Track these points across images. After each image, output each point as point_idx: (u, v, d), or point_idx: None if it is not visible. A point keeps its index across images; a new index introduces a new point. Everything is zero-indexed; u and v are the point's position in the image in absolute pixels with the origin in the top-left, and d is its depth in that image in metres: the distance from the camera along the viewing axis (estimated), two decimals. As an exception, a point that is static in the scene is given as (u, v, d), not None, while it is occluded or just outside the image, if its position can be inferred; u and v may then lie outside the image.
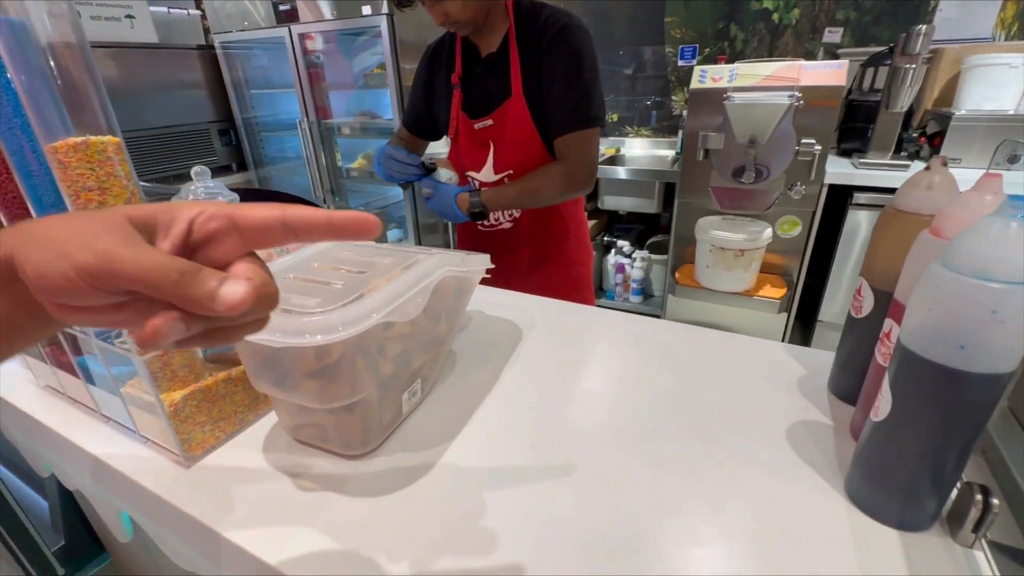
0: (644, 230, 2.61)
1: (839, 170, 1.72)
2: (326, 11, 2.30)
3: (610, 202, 2.34)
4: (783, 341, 1.98)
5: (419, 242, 2.68)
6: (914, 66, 1.59)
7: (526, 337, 0.72)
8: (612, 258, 2.50)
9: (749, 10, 2.17)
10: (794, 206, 1.76)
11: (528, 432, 0.53)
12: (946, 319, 0.34)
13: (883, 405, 0.39)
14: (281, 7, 2.39)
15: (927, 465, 0.38)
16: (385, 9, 2.14)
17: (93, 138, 0.40)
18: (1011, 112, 1.63)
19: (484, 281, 1.01)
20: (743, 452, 0.49)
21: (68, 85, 0.39)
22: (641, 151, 2.61)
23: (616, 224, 2.66)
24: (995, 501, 0.37)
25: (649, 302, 2.48)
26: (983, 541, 0.39)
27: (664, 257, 2.25)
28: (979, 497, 0.37)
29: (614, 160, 2.52)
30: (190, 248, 0.23)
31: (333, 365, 0.43)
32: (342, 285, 0.46)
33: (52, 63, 0.38)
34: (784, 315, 1.87)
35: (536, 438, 0.52)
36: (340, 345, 0.41)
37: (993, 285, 0.31)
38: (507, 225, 1.11)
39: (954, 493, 0.40)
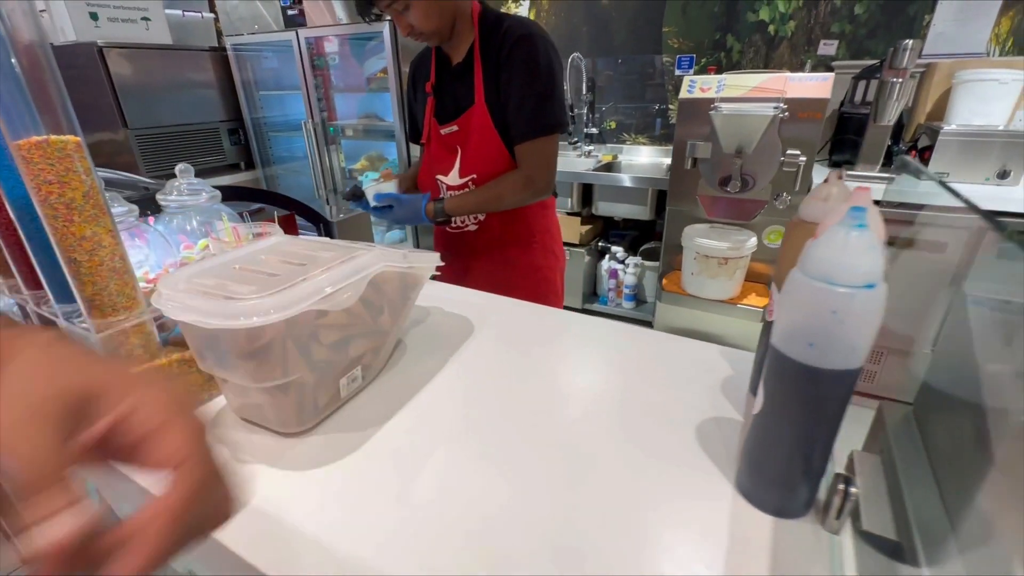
0: (638, 236, 2.63)
1: (827, 181, 1.73)
2: (340, 14, 2.37)
3: (604, 208, 2.37)
4: (758, 344, 1.99)
5: (417, 242, 2.74)
6: (901, 80, 1.60)
7: (476, 334, 0.76)
8: (606, 263, 2.53)
9: (746, 21, 2.19)
10: (780, 216, 1.78)
11: (454, 421, 0.57)
12: (798, 319, 0.37)
13: (759, 400, 0.42)
14: (289, 12, 2.46)
15: (795, 455, 0.41)
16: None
17: (54, 137, 0.45)
18: (1000, 128, 1.63)
19: (450, 279, 1.05)
20: (652, 446, 0.52)
21: (35, 86, 0.44)
22: (640, 158, 2.64)
23: (612, 230, 2.69)
24: (854, 490, 0.40)
25: (642, 308, 2.50)
26: (849, 527, 0.41)
27: (656, 263, 2.28)
28: (842, 486, 0.40)
29: (610, 167, 2.55)
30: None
31: (264, 348, 0.47)
32: (281, 275, 0.50)
33: (20, 64, 0.43)
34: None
35: (460, 427, 0.56)
36: (269, 329, 0.46)
37: (834, 288, 0.34)
38: (472, 228, 1.16)
39: (827, 483, 0.43)
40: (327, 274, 0.50)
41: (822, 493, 0.43)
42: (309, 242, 0.62)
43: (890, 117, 1.67)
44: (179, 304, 0.45)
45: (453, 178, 1.10)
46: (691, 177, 1.85)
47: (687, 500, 0.46)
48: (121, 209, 0.80)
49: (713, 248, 1.75)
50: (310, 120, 2.66)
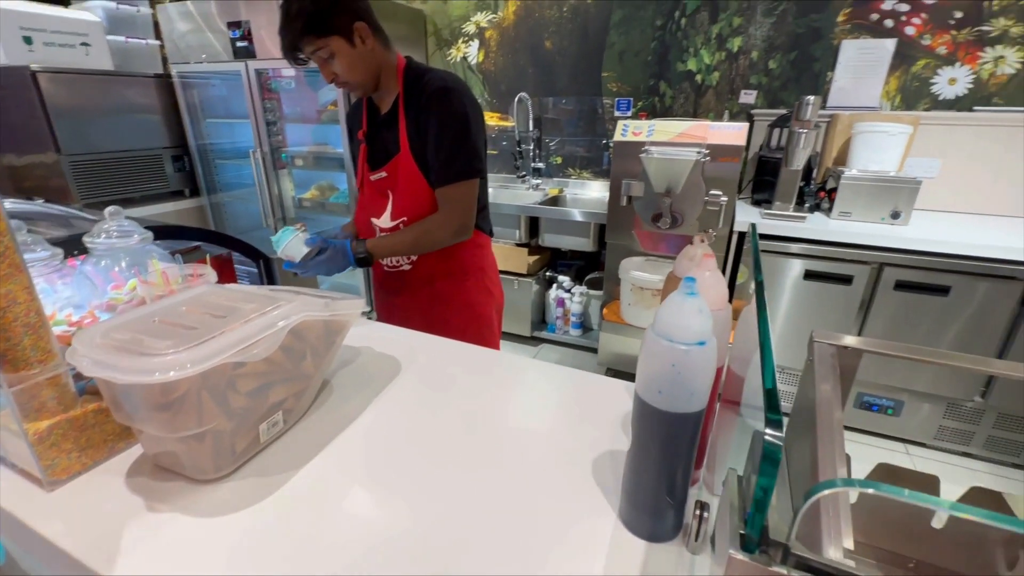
0: (584, 266, 2.74)
1: (749, 219, 1.89)
2: (287, 47, 2.40)
3: (550, 240, 2.47)
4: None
5: (366, 273, 2.74)
6: (806, 131, 1.79)
7: (403, 373, 0.79)
8: (553, 292, 2.62)
9: (676, 70, 2.38)
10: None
11: (370, 462, 0.60)
12: (650, 369, 0.43)
13: (631, 438, 0.48)
14: (239, 43, 2.48)
15: (659, 486, 0.47)
16: (339, 51, 2.27)
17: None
18: (892, 174, 1.84)
19: (387, 317, 1.08)
20: (550, 480, 0.58)
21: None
22: (585, 192, 2.77)
23: (559, 260, 2.79)
24: (707, 514, 0.46)
25: (588, 335, 2.59)
26: (708, 547, 0.48)
27: (600, 292, 2.38)
28: (698, 512, 0.47)
29: (556, 200, 2.67)
30: None
31: (179, 399, 0.49)
32: (199, 328, 0.53)
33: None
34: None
35: (376, 467, 0.59)
36: (184, 382, 0.48)
37: (675, 345, 0.41)
38: (407, 267, 1.20)
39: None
40: (245, 327, 0.54)
41: (688, 517, 0.50)
42: (233, 292, 0.65)
43: (799, 163, 1.86)
44: (93, 360, 0.47)
45: (385, 221, 1.16)
46: (627, 213, 1.97)
47: (574, 528, 0.51)
48: (44, 254, 0.80)
49: (646, 280, 1.86)
50: (258, 149, 2.65)
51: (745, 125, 1.76)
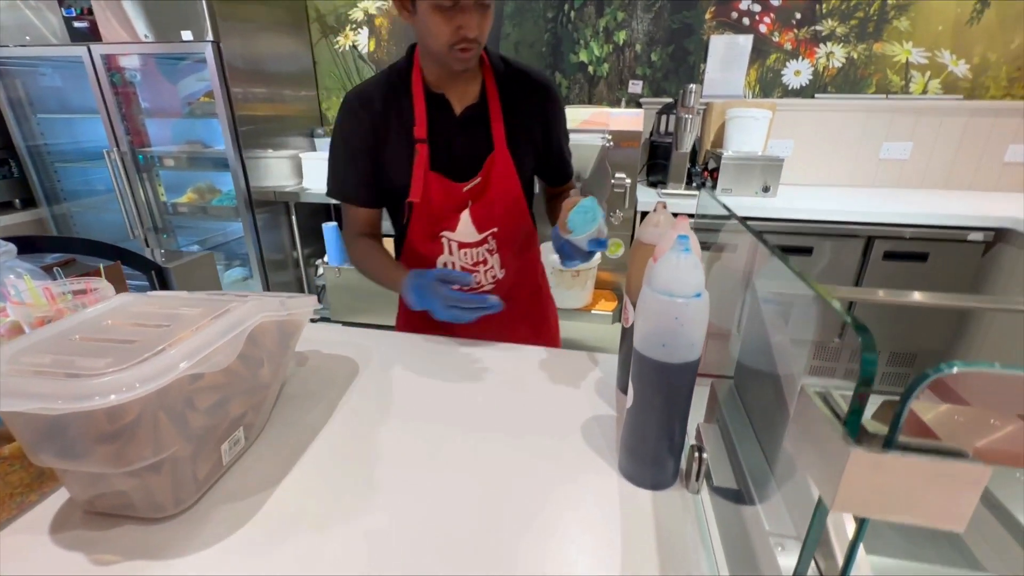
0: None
1: (648, 199, 2.05)
2: (142, 29, 2.08)
3: (463, 231, 2.45)
4: (619, 347, 2.26)
5: (266, 280, 2.51)
6: (690, 116, 1.98)
7: (362, 373, 0.74)
8: (470, 284, 2.61)
9: (569, 62, 2.49)
10: (616, 231, 2.04)
11: (352, 472, 0.56)
12: (652, 325, 0.46)
13: (631, 395, 0.50)
14: (76, 24, 2.10)
15: (662, 436, 0.50)
16: (210, 35, 2.01)
17: None
18: (759, 154, 2.10)
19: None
20: (543, 450, 0.58)
21: None
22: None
23: (472, 251, 2.78)
24: (705, 456, 0.50)
25: (507, 323, 2.62)
26: (705, 487, 0.52)
27: (516, 280, 2.42)
28: (696, 455, 0.50)
29: (464, 191, 2.65)
30: None
31: (130, 425, 0.41)
32: (139, 341, 0.45)
33: None
34: (618, 324, 2.13)
35: (360, 477, 0.55)
36: (135, 404, 0.41)
37: (675, 300, 0.44)
38: (488, 287, 0.99)
39: (686, 453, 0.54)
40: (199, 335, 0.46)
41: (683, 463, 0.54)
42: (163, 299, 0.56)
43: (687, 145, 2.05)
44: (8, 391, 0.38)
45: (466, 233, 0.93)
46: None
47: (581, 490, 0.52)
48: None
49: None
50: (114, 149, 2.28)
51: (641, 112, 1.90)
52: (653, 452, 0.51)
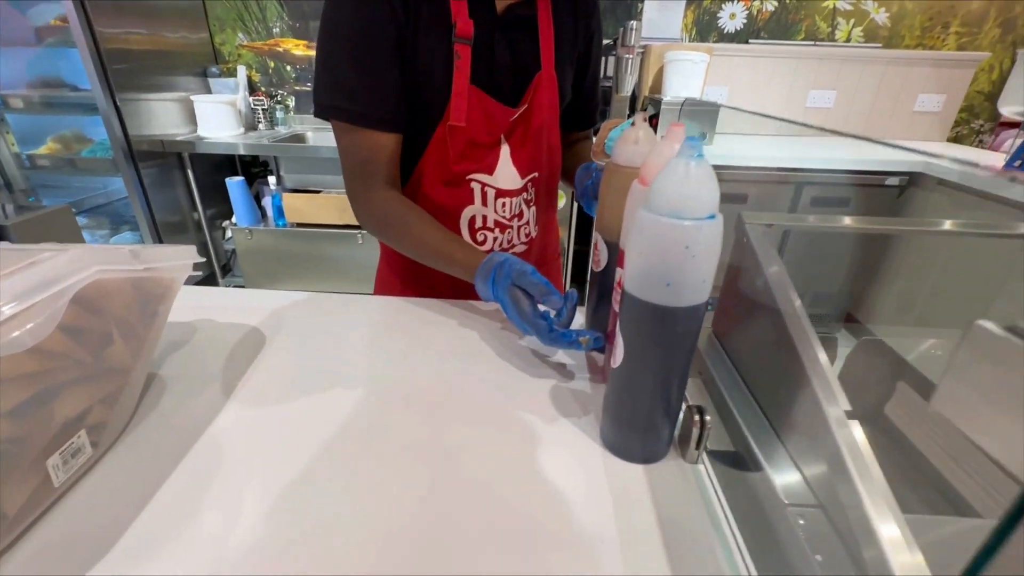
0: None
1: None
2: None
3: (391, 185, 2.23)
4: (587, 296, 2.20)
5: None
6: (631, 56, 1.87)
7: (270, 344, 0.59)
8: (402, 243, 2.41)
9: None
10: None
11: (260, 473, 0.42)
12: (653, 260, 0.35)
13: (618, 352, 0.40)
14: None
15: (658, 399, 0.40)
16: (52, -61, 1.59)
17: None
18: (697, 98, 2.06)
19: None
20: (511, 421, 0.47)
21: None
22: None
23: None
24: (708, 418, 0.41)
25: (445, 284, 2.48)
26: (704, 454, 0.43)
27: (452, 237, 2.26)
28: (697, 417, 0.41)
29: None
30: None
31: None
32: None
33: None
34: (563, 281, 2.06)
35: (272, 480, 0.42)
36: None
37: (684, 223, 0.33)
38: (520, 248, 0.81)
39: (680, 417, 0.45)
40: (-23, 298, 0.29)
41: (676, 429, 0.45)
42: (-66, 252, 0.37)
43: (628, 88, 1.95)
44: None
45: (507, 178, 0.73)
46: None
47: (562, 470, 0.42)
48: None
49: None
50: (-65, 85, 1.81)
51: (580, 49, 1.77)
52: (646, 419, 0.41)
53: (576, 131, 0.86)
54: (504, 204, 0.74)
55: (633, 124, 0.49)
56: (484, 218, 0.74)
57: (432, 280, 0.76)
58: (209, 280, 2.41)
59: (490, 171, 0.71)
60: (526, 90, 0.70)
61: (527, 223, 0.78)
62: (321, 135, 2.33)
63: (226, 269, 2.42)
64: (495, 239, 0.76)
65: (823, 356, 0.40)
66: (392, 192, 0.69)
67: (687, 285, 0.34)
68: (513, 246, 0.79)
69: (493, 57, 0.67)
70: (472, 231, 0.75)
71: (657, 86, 2.25)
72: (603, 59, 2.11)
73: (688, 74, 2.12)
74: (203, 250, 2.37)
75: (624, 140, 0.49)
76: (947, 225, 0.61)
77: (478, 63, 0.65)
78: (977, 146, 2.34)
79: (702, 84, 2.19)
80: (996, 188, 1.58)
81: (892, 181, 1.94)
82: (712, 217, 0.34)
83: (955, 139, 2.38)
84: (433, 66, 0.64)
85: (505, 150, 0.72)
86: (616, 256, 0.50)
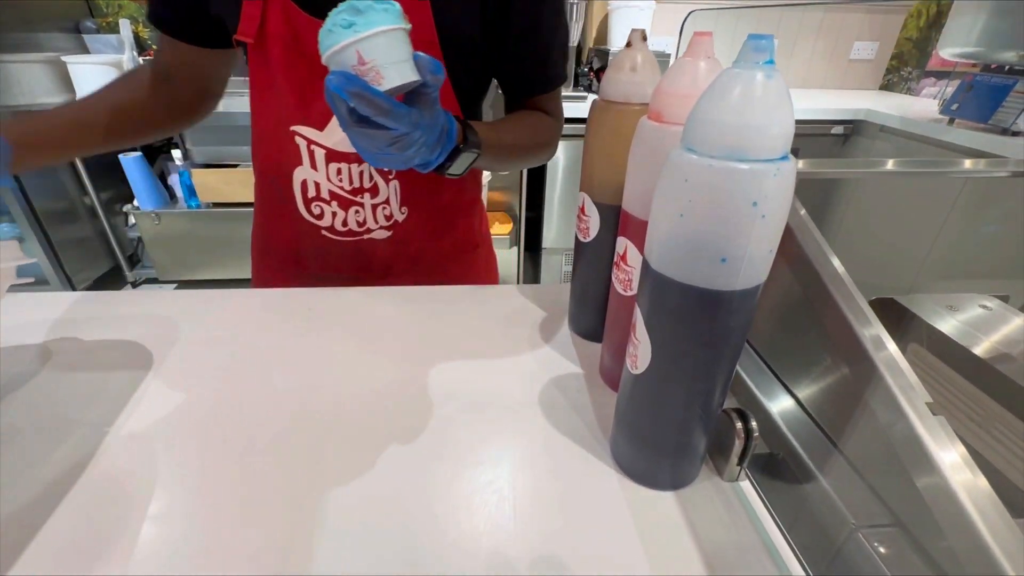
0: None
1: (535, 104, 1.80)
2: None
3: (320, 155, 2.00)
4: (518, 274, 2.10)
5: (47, 240, 1.85)
6: (574, 2, 1.73)
7: (158, 367, 0.44)
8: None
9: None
10: (504, 141, 1.79)
11: (156, 540, 0.29)
12: (702, 225, 0.24)
13: (642, 354, 0.29)
14: None
15: (695, 413, 0.30)
16: None
17: None
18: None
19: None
20: (499, 445, 0.36)
21: None
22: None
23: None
24: (754, 424, 0.32)
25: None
26: (745, 470, 0.34)
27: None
28: (740, 425, 0.32)
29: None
30: None
31: None
32: None
33: None
34: (515, 249, 1.95)
35: (173, 545, 0.28)
36: None
37: (752, 167, 0.22)
38: (381, 234, 0.62)
39: (712, 424, 0.35)
40: None
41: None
42: None
43: (573, 39, 1.81)
44: None
45: (340, 135, 0.54)
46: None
47: (570, 493, 0.32)
48: None
49: (452, 182, 1.66)
50: None
51: None
52: (678, 438, 0.31)
53: (524, 95, 0.62)
54: (339, 172, 0.57)
55: (629, 45, 0.37)
56: (317, 186, 0.58)
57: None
58: (114, 275, 2.10)
59: (320, 124, 0.54)
60: None
61: (385, 203, 0.60)
62: (235, 100, 2.03)
63: (134, 260, 2.12)
64: (334, 215, 0.59)
65: (889, 339, 0.31)
66: (135, 76, 0.60)
67: (751, 258, 0.24)
68: (368, 230, 0.61)
69: None
70: (306, 201, 0.59)
71: (602, 37, 2.12)
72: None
73: (633, 21, 2.01)
74: (102, 240, 2.06)
75: (618, 68, 0.37)
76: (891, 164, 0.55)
77: None
78: (907, 93, 2.41)
79: (648, 33, 2.08)
80: (937, 132, 1.60)
81: (837, 130, 1.95)
82: (787, 158, 0.23)
83: (886, 87, 2.43)
84: None
85: None
86: (613, 222, 0.39)
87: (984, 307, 0.57)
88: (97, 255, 2.07)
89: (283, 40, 0.50)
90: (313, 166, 0.56)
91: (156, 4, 0.55)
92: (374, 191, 0.58)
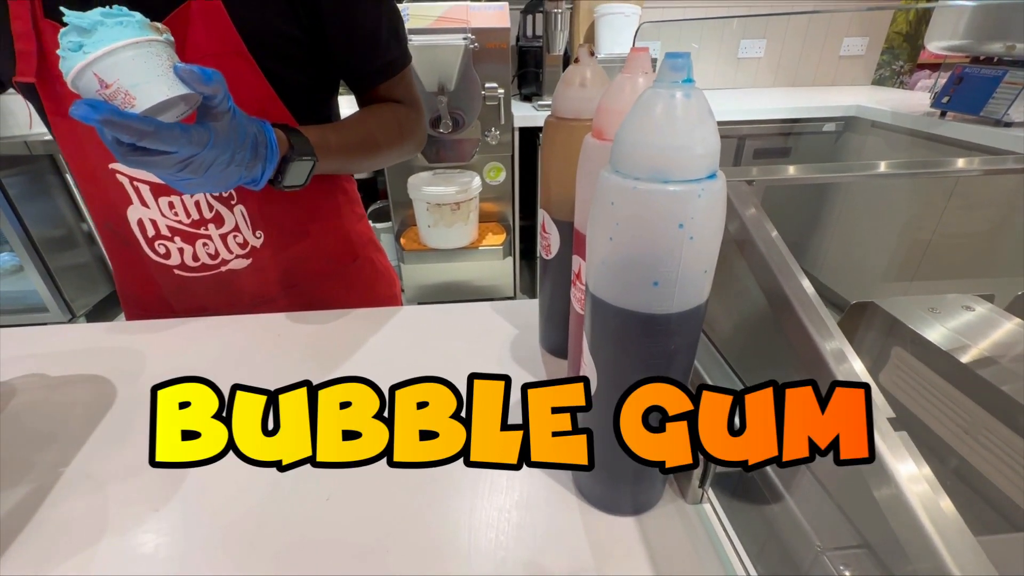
0: (362, 199, 2.38)
1: (524, 114, 1.80)
2: None
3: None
4: (514, 283, 2.09)
5: (45, 267, 1.86)
6: (560, 10, 1.74)
7: (119, 399, 0.43)
8: (334, 236, 2.20)
9: (411, -49, 2.05)
10: (494, 152, 1.79)
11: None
12: (630, 249, 0.23)
13: (592, 378, 0.28)
14: None
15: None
16: None
17: None
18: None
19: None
20: (456, 471, 0.35)
21: None
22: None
23: (330, 197, 2.35)
24: (713, 447, 0.31)
25: (386, 275, 2.30)
26: (709, 490, 0.33)
27: (389, 224, 2.08)
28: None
29: (307, 123, 2.17)
30: None
31: None
32: None
33: None
34: (509, 259, 1.94)
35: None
36: None
37: (674, 188, 0.21)
38: (239, 263, 0.58)
39: (674, 444, 0.34)
40: None
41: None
42: None
43: (560, 46, 1.82)
44: None
45: None
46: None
47: (530, 536, 0.31)
48: None
49: (442, 195, 1.66)
50: None
51: (506, 5, 1.61)
52: (633, 464, 0.30)
53: (364, 88, 0.60)
54: (172, 205, 0.53)
55: (577, 61, 0.37)
56: (154, 223, 0.54)
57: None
58: (112, 300, 2.12)
59: None
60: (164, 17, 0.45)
61: (235, 230, 0.56)
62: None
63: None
64: (179, 250, 0.55)
65: (852, 353, 0.30)
66: None
67: (683, 281, 0.23)
68: (223, 261, 0.57)
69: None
70: (148, 241, 0.55)
71: (590, 42, 2.12)
72: (529, 18, 1.96)
73: (620, 28, 2.01)
74: (100, 265, 2.07)
75: (567, 83, 0.37)
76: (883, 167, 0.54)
77: None
78: (899, 87, 2.39)
79: (634, 39, 2.08)
80: (928, 126, 1.59)
81: (829, 127, 1.94)
82: (713, 177, 0.22)
83: (877, 82, 2.42)
84: None
85: None
86: (571, 239, 0.38)
87: (968, 308, 0.55)
88: (96, 280, 2.08)
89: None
90: (143, 203, 0.53)
91: None
92: (218, 220, 0.55)
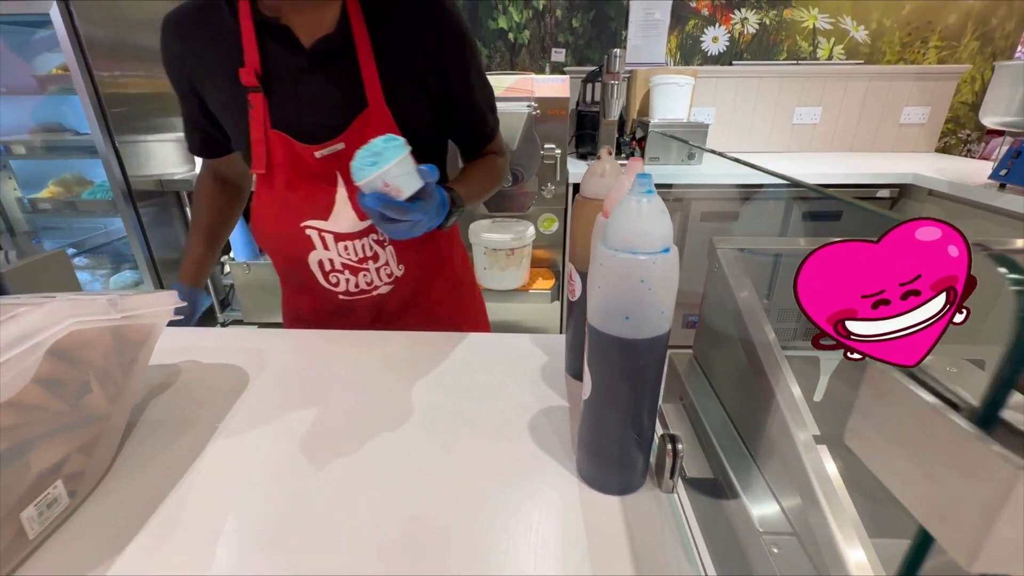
0: (427, 240, 2.61)
1: (579, 171, 1.97)
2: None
3: (387, 215, 2.27)
4: (561, 325, 2.20)
5: (160, 283, 2.19)
6: (616, 82, 1.92)
7: (252, 384, 0.59)
8: (399, 271, 2.43)
9: (488, 28, 2.34)
10: (549, 205, 1.96)
11: (242, 514, 0.42)
12: (611, 294, 0.36)
13: (587, 384, 0.40)
14: None
15: (628, 431, 0.40)
16: (55, -7, 1.66)
17: None
18: (684, 120, 2.09)
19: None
20: (487, 457, 0.47)
21: None
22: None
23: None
24: (680, 446, 0.41)
25: (443, 310, 2.49)
26: (679, 482, 0.43)
27: (449, 264, 2.28)
28: (670, 447, 0.41)
29: (385, 172, 2.46)
30: None
31: None
32: None
33: None
34: (557, 303, 2.07)
35: (253, 520, 0.42)
36: None
37: (639, 257, 0.34)
38: (385, 289, 0.77)
39: (655, 446, 0.45)
40: (-51, 357, 0.30)
41: (653, 457, 0.45)
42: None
43: (615, 113, 2.00)
44: None
45: (345, 221, 0.69)
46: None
47: (537, 504, 0.42)
48: None
49: (499, 241, 1.83)
50: (-58, 136, 1.86)
51: (567, 78, 1.81)
52: (619, 451, 0.41)
53: (472, 150, 0.82)
54: (347, 247, 0.72)
55: (599, 158, 0.51)
56: (331, 261, 0.73)
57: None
58: (208, 314, 2.43)
59: (324, 215, 0.70)
60: (347, 125, 0.66)
61: (385, 264, 0.75)
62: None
63: (224, 303, 2.44)
64: (347, 280, 0.74)
65: (792, 382, 0.40)
66: (206, 180, 0.85)
67: (646, 318, 0.35)
68: (375, 287, 0.76)
69: (299, 97, 0.66)
70: (324, 274, 0.74)
71: (645, 109, 2.29)
72: (588, 86, 2.16)
73: (674, 96, 2.16)
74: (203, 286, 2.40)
75: (592, 172, 0.51)
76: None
77: (282, 106, 0.65)
78: (965, 155, 2.36)
79: (688, 106, 2.23)
80: (986, 198, 1.59)
81: (883, 193, 1.96)
82: (666, 251, 0.34)
83: (943, 149, 2.40)
84: (228, 112, 0.69)
85: (342, 193, 0.69)
86: (589, 286, 0.51)
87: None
88: (197, 298, 2.41)
89: (286, 166, 0.68)
90: (325, 247, 0.72)
91: (194, 146, 0.79)
92: (375, 257, 0.74)
